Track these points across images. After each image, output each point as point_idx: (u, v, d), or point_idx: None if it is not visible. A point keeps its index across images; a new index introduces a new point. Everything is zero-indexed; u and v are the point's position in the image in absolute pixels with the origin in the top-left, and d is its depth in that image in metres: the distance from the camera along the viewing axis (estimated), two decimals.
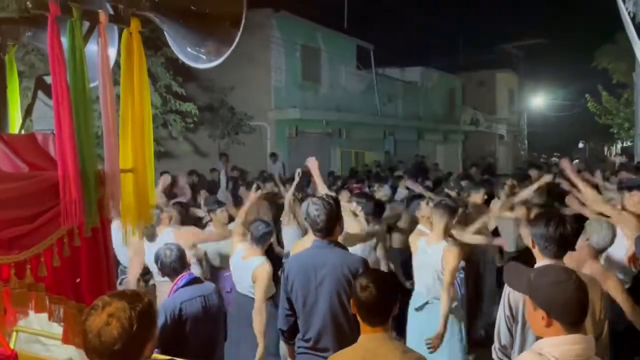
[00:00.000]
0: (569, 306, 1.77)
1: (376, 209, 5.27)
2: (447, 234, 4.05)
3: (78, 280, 2.25)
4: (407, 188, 8.16)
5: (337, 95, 15.00)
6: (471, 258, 5.29)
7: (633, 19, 7.90)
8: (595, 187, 5.47)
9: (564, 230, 2.63)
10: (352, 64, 15.88)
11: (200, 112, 10.62)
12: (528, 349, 1.97)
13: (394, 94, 17.79)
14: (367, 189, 8.37)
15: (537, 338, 1.89)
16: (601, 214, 4.04)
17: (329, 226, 2.88)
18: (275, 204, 6.88)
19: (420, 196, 5.80)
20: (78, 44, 2.20)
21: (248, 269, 3.93)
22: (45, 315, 2.23)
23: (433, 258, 3.93)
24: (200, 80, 11.75)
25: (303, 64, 13.96)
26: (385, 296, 2.22)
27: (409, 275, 5.01)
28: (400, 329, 4.20)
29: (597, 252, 3.42)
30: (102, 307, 1.65)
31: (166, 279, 3.32)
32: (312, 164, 4.07)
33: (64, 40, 2.23)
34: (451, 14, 24.49)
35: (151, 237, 4.56)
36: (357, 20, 15.90)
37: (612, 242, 3.46)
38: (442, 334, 3.77)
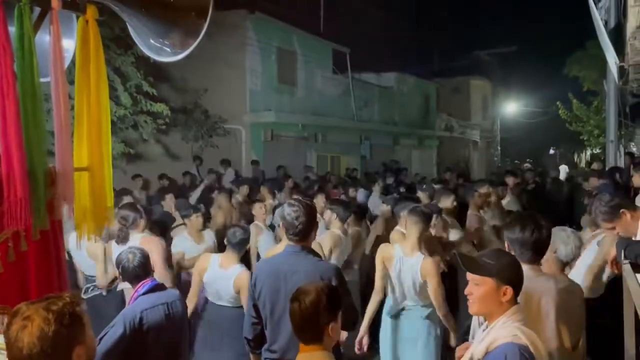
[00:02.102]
0: (522, 277, 2.11)
1: (357, 212, 5.19)
2: (421, 243, 3.87)
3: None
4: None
5: (313, 99, 14.89)
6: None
7: (605, 26, 8.01)
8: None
9: (540, 234, 2.56)
10: (328, 68, 15.78)
11: (173, 114, 10.36)
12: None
13: (370, 99, 17.77)
14: (343, 195, 8.35)
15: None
16: None
17: (307, 230, 2.76)
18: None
19: (409, 198, 5.76)
20: (27, 31, 2.02)
21: (229, 279, 3.80)
22: None
23: (412, 269, 3.80)
24: (173, 81, 11.50)
25: (279, 67, 13.79)
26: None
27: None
28: (374, 335, 4.11)
29: (564, 265, 3.10)
30: (21, 313, 1.53)
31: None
32: None
33: (13, 28, 2.06)
34: (426, 21, 24.68)
35: (123, 239, 4.32)
36: (333, 24, 15.83)
37: (579, 253, 3.28)
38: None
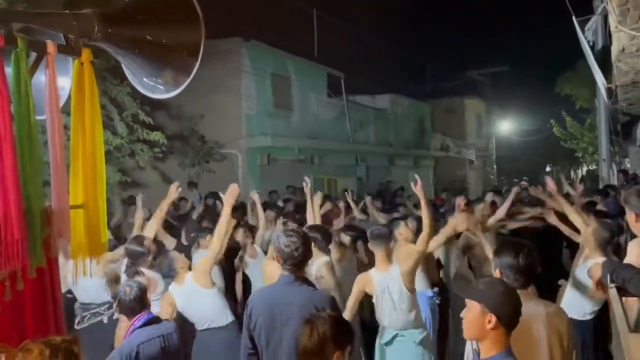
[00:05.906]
0: (516, 314, 2.08)
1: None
2: (390, 258, 4.03)
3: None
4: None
5: (308, 123, 15.03)
6: (443, 287, 5.23)
7: (592, 48, 8.17)
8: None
9: (532, 260, 2.62)
10: (323, 92, 15.98)
11: (170, 141, 10.44)
12: None
13: (365, 121, 17.95)
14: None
15: None
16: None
17: (304, 260, 2.83)
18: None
19: (402, 217, 5.78)
20: (23, 76, 2.09)
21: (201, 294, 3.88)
22: None
23: (394, 281, 3.87)
24: (169, 108, 11.62)
25: (274, 92, 13.97)
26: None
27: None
28: None
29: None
30: (24, 346, 1.70)
31: None
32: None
33: (10, 71, 2.13)
34: (418, 43, 25.11)
35: (134, 275, 4.22)
36: (326, 48, 16.08)
37: None
38: None
